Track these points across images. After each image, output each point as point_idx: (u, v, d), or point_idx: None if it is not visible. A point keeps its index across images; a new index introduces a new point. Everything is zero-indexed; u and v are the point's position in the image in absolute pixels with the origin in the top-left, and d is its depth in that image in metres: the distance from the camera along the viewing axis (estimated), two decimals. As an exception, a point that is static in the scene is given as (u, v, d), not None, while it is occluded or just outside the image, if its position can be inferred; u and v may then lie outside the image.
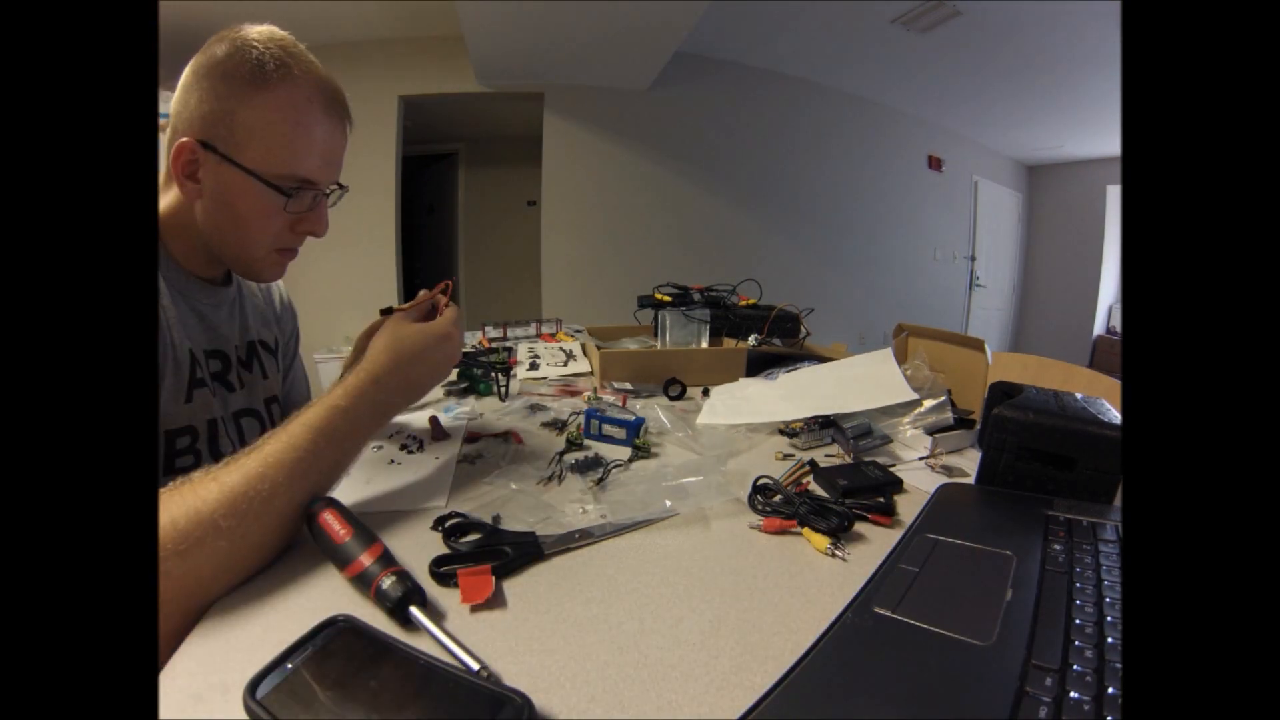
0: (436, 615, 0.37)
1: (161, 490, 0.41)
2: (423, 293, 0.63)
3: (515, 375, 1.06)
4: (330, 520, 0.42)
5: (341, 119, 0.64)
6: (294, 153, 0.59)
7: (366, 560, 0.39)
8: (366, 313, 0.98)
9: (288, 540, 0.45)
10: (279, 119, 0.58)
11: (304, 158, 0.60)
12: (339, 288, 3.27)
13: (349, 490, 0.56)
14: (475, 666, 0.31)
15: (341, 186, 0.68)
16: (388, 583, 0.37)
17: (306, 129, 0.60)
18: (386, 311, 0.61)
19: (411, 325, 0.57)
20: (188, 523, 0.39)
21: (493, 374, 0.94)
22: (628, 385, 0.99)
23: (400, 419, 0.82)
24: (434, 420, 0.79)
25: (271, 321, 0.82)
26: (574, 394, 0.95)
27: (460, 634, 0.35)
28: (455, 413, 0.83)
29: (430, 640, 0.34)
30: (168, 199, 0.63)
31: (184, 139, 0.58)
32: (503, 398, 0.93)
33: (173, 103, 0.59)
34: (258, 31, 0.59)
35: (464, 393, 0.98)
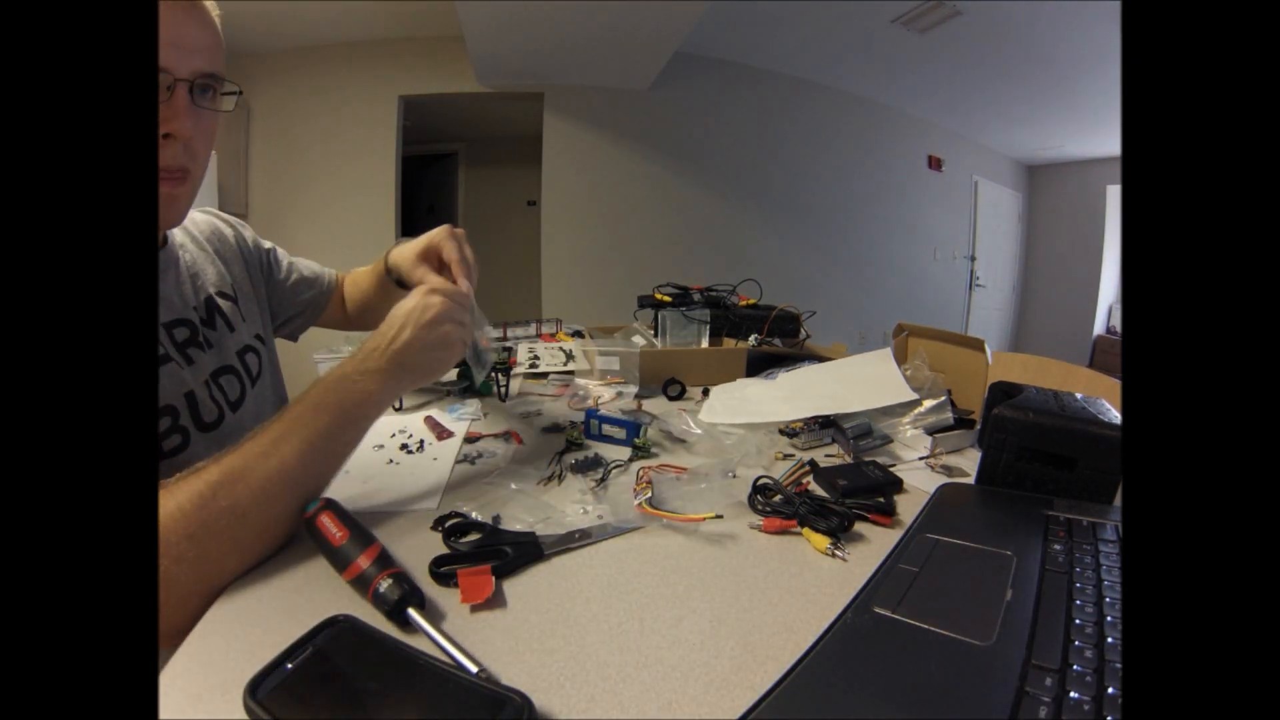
0: (435, 617, 0.37)
1: (166, 482, 0.42)
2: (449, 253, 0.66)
3: (515, 375, 1.06)
4: (327, 523, 0.42)
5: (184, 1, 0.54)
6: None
7: (364, 562, 0.39)
8: (366, 313, 0.96)
9: (295, 521, 0.46)
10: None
11: None
12: (339, 288, 3.27)
13: (345, 488, 0.56)
14: (473, 669, 0.31)
15: (218, 80, 0.57)
16: (385, 585, 0.37)
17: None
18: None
19: (438, 297, 0.56)
20: (193, 506, 0.41)
21: (493, 374, 0.94)
22: (621, 383, 0.99)
23: (401, 418, 0.82)
24: (430, 420, 0.79)
25: (221, 269, 0.76)
26: (574, 394, 0.95)
27: (460, 634, 0.35)
28: (460, 413, 0.83)
29: (429, 642, 0.34)
30: None
31: None
32: (503, 398, 0.93)
33: None
34: None
35: (464, 393, 0.98)
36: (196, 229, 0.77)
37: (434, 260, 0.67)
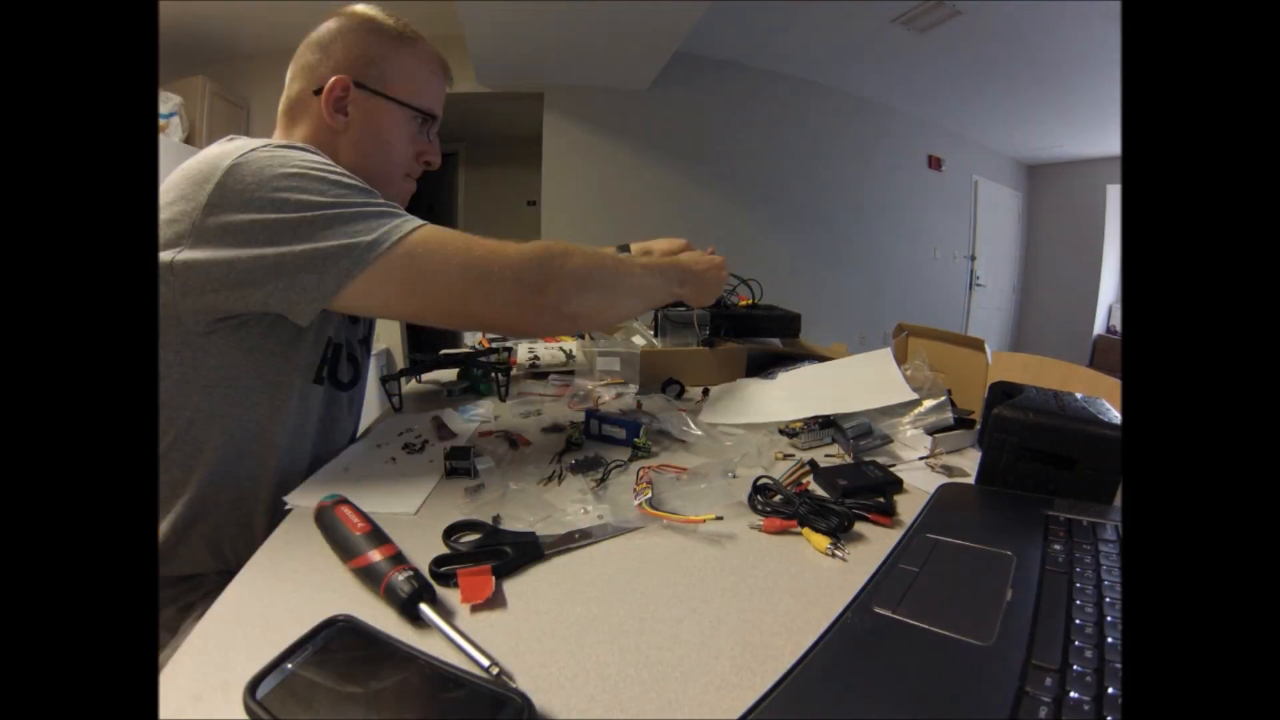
0: (446, 614, 0.37)
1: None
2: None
3: (515, 376, 1.06)
4: (347, 513, 0.44)
5: (446, 77, 0.80)
6: (428, 92, 0.76)
7: (376, 556, 0.39)
8: (366, 312, 0.95)
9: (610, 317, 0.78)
10: (419, 66, 0.75)
11: (432, 97, 0.77)
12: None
13: (340, 484, 0.56)
14: (486, 663, 0.31)
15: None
16: (400, 578, 0.37)
17: (435, 76, 0.77)
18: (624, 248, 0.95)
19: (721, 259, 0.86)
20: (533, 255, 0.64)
21: (493, 374, 0.94)
22: (621, 383, 0.99)
23: (409, 418, 0.82)
24: (436, 420, 0.79)
25: None
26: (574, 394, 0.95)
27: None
28: (470, 414, 0.83)
29: (438, 640, 0.34)
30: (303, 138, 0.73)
31: (337, 77, 0.69)
32: (503, 398, 0.93)
33: (301, 58, 0.73)
34: (376, 8, 0.75)
35: (464, 393, 0.98)
36: None
37: None
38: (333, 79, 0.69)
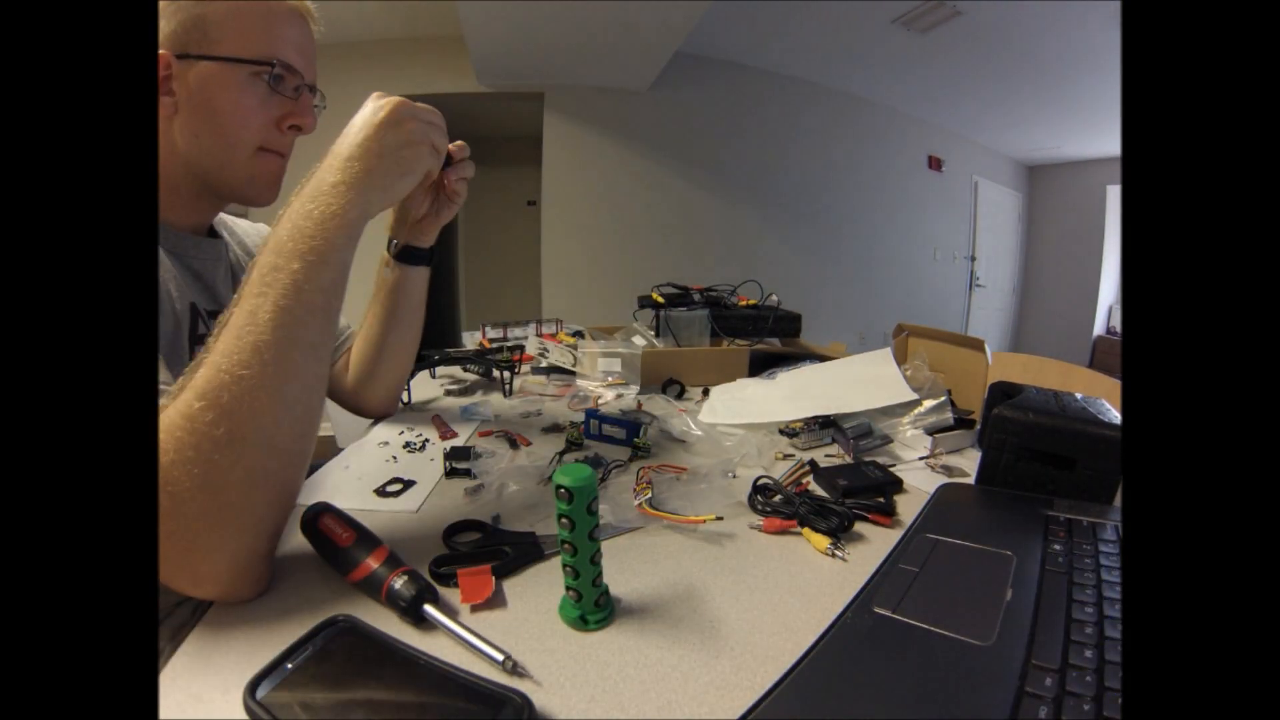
0: (450, 612, 0.37)
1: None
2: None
3: (519, 371, 1.06)
4: (331, 525, 0.42)
5: (305, 17, 0.62)
6: (270, 35, 0.57)
7: (374, 563, 0.39)
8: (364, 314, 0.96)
9: (322, 386, 0.42)
10: (249, 9, 0.57)
11: (280, 42, 0.58)
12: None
13: (343, 484, 0.56)
14: (499, 657, 0.32)
15: (319, 92, 0.65)
16: (399, 583, 0.37)
17: (275, 15, 0.58)
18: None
19: (389, 98, 0.51)
20: (184, 435, 0.34)
21: (499, 371, 0.94)
22: (622, 383, 0.99)
23: (411, 416, 0.82)
24: (438, 419, 0.79)
25: None
26: (575, 394, 0.95)
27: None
28: (470, 413, 0.83)
29: (440, 639, 0.34)
30: None
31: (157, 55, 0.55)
32: (506, 394, 0.93)
33: None
34: None
35: (464, 392, 0.97)
36: (246, 235, 0.81)
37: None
38: None
